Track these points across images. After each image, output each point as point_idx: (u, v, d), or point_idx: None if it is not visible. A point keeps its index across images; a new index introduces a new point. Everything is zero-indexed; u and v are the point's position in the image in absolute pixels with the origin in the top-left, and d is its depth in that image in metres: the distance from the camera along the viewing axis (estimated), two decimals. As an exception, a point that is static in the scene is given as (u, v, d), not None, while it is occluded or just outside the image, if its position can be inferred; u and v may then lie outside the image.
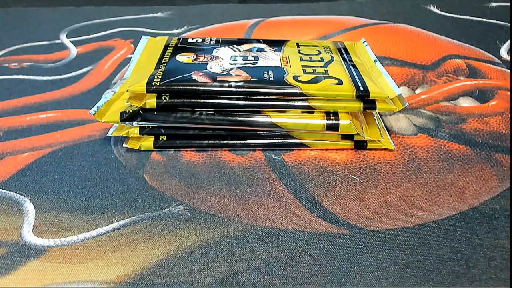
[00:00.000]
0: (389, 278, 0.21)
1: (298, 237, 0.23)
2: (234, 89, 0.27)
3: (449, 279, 0.21)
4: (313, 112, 0.28)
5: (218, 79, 0.27)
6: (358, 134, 0.28)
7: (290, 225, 0.24)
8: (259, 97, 0.27)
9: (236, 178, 0.27)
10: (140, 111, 0.27)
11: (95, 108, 0.28)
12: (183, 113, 0.28)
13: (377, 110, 0.28)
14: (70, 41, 0.44)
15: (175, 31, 0.47)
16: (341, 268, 0.21)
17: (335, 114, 0.28)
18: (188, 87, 0.27)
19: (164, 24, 0.48)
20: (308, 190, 0.26)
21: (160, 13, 0.51)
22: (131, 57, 0.41)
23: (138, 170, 0.28)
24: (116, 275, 0.21)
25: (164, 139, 0.29)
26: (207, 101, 0.27)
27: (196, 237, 0.23)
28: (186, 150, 0.29)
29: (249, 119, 0.28)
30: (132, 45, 0.43)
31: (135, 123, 0.28)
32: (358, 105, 0.27)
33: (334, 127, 0.27)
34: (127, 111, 0.27)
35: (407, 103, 0.28)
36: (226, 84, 0.27)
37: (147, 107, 0.27)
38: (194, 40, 0.33)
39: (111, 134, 0.29)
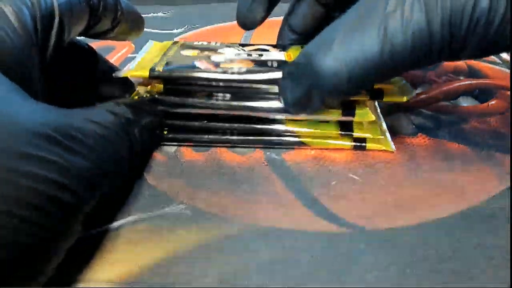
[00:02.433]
0: (389, 277, 0.21)
1: (298, 236, 0.23)
2: (237, 76, 0.27)
3: (449, 278, 0.21)
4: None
5: (221, 65, 0.28)
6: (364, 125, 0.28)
7: (290, 224, 0.24)
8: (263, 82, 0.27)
9: (236, 178, 0.27)
10: (157, 96, 0.28)
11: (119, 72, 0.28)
12: (200, 98, 0.28)
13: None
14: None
15: (175, 31, 0.47)
16: (341, 268, 0.21)
17: (352, 106, 0.28)
18: (190, 73, 0.27)
19: (165, 24, 0.48)
20: (308, 189, 0.26)
21: (160, 13, 0.51)
22: (131, 57, 0.41)
23: (138, 169, 0.28)
24: (116, 275, 0.21)
25: (165, 133, 0.29)
26: (211, 89, 0.27)
27: (196, 236, 0.23)
28: (187, 148, 0.29)
29: (265, 105, 0.28)
30: (133, 45, 0.43)
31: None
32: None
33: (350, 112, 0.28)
34: (145, 96, 0.28)
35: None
36: (230, 71, 0.27)
37: (156, 90, 0.27)
38: (199, 43, 0.33)
39: None
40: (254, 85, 0.27)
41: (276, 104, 0.28)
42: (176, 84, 0.28)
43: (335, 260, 0.22)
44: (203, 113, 0.28)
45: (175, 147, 0.29)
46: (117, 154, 0.22)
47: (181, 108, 0.28)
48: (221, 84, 0.27)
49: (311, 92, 0.24)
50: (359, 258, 0.22)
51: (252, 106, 0.28)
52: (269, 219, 0.24)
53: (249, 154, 0.29)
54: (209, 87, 0.27)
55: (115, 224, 0.24)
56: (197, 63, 0.28)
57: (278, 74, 0.27)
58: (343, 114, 0.28)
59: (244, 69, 0.27)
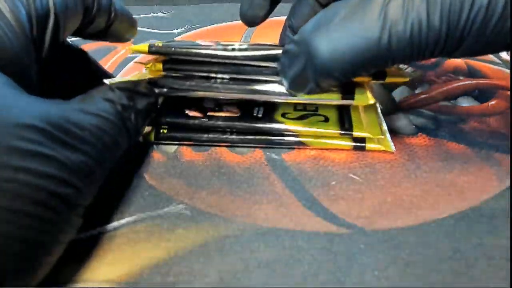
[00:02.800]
0: (389, 277, 0.21)
1: (297, 236, 0.23)
2: (238, 53, 0.26)
3: (449, 278, 0.21)
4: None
5: (222, 43, 0.27)
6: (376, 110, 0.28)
7: (290, 224, 0.24)
8: (263, 60, 0.27)
9: (236, 178, 0.27)
10: (156, 80, 0.28)
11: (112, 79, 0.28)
12: (198, 80, 0.28)
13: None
14: (71, 41, 0.44)
15: (175, 31, 0.47)
16: (341, 268, 0.21)
17: (352, 91, 0.27)
18: (190, 49, 0.27)
19: (165, 24, 0.48)
20: (308, 189, 0.26)
21: (160, 13, 0.51)
22: (131, 57, 0.41)
23: (138, 169, 0.28)
24: (116, 275, 0.21)
25: (165, 132, 0.29)
26: (211, 67, 0.27)
27: (196, 236, 0.23)
28: (187, 148, 0.29)
29: (264, 88, 0.27)
30: (133, 45, 0.43)
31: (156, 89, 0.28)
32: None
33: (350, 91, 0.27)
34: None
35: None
36: (230, 48, 0.27)
37: (154, 69, 0.27)
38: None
39: None
40: (255, 63, 0.27)
41: (277, 87, 0.27)
42: (176, 63, 0.27)
43: (335, 260, 0.22)
44: (202, 96, 0.28)
45: (174, 147, 0.29)
46: (114, 144, 0.22)
47: (180, 92, 0.28)
48: (221, 61, 0.27)
49: (305, 72, 0.24)
50: (359, 258, 0.22)
51: (252, 89, 0.27)
52: (268, 219, 0.24)
53: (249, 154, 0.29)
54: (209, 65, 0.27)
55: (115, 224, 0.24)
56: (198, 41, 0.28)
57: (278, 51, 0.26)
58: (343, 98, 0.27)
59: (244, 46, 0.27)
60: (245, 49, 0.27)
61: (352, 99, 0.27)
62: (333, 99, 0.27)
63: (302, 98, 0.27)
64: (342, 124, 0.29)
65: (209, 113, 0.29)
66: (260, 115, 0.29)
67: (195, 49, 0.27)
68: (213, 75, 0.27)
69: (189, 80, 0.28)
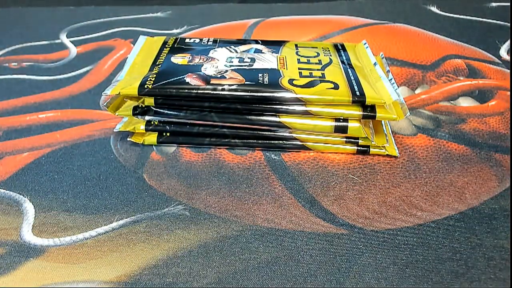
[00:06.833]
0: (388, 278, 0.21)
1: (297, 237, 0.23)
2: (227, 93, 0.26)
3: (448, 279, 0.21)
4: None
5: (211, 81, 0.27)
6: (366, 137, 0.27)
7: (289, 225, 0.24)
8: (253, 100, 0.27)
9: (235, 178, 0.27)
10: (152, 107, 0.28)
11: (106, 104, 0.28)
12: (193, 110, 0.28)
13: (376, 118, 0.27)
14: (70, 41, 0.44)
15: (175, 31, 0.47)
16: (340, 268, 0.21)
17: (344, 123, 0.27)
18: (180, 91, 0.27)
19: (164, 24, 0.48)
20: (307, 190, 0.26)
21: (160, 13, 0.51)
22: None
23: (138, 170, 0.28)
24: (116, 275, 0.21)
25: (168, 135, 0.29)
26: (202, 103, 0.27)
27: (195, 237, 0.23)
28: (186, 149, 0.29)
29: (257, 117, 0.27)
30: (132, 45, 0.43)
31: (147, 117, 0.28)
32: (357, 111, 0.26)
33: (342, 129, 0.27)
34: (140, 106, 0.28)
35: (409, 112, 0.27)
36: (220, 88, 0.27)
37: (146, 104, 0.28)
38: (192, 40, 0.33)
39: (119, 129, 0.29)
40: (244, 99, 0.27)
41: (270, 117, 0.27)
42: (167, 99, 0.27)
43: (334, 261, 0.22)
44: (197, 123, 0.28)
45: (174, 148, 0.29)
46: None
47: (175, 118, 0.28)
48: (211, 98, 0.27)
49: None
50: (358, 258, 0.22)
51: (247, 118, 0.28)
52: (268, 220, 0.24)
53: (248, 154, 0.29)
54: (200, 102, 0.27)
55: (114, 225, 0.24)
56: (188, 79, 0.27)
57: (267, 93, 0.26)
58: (335, 131, 0.27)
59: (234, 86, 0.27)
60: (235, 90, 0.26)
61: (345, 132, 0.27)
62: (326, 129, 0.27)
63: (296, 133, 0.28)
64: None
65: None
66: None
67: (185, 91, 0.27)
68: (205, 111, 0.28)
69: (184, 111, 0.28)
